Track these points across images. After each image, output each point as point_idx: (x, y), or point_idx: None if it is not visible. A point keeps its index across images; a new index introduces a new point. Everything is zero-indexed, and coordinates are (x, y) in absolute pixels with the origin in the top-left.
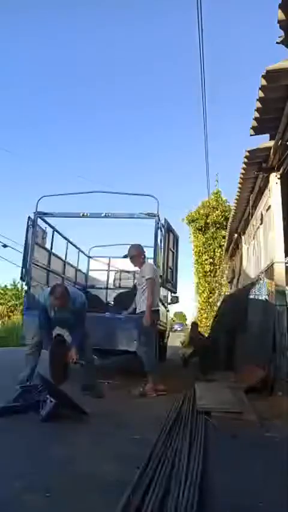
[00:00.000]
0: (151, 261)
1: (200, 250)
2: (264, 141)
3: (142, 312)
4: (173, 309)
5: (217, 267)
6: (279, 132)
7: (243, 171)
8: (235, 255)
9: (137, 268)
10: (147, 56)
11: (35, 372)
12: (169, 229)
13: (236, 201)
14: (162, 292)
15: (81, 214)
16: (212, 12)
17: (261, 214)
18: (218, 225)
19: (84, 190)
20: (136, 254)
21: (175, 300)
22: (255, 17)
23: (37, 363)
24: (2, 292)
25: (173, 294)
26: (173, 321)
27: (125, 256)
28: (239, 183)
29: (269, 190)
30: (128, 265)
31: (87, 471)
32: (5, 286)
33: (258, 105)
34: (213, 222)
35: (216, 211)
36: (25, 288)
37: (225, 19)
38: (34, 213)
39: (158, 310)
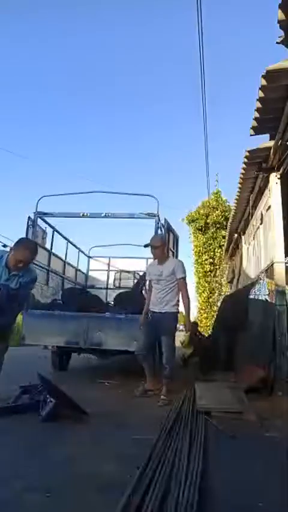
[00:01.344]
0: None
1: (200, 250)
2: (264, 141)
3: (169, 313)
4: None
5: (217, 267)
6: (279, 132)
7: (243, 171)
8: (235, 255)
9: (137, 268)
10: (147, 56)
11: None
12: (169, 229)
13: (236, 201)
14: None
15: (81, 214)
16: (212, 12)
17: (261, 214)
18: (218, 225)
19: (84, 190)
20: (161, 245)
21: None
22: (255, 17)
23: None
24: None
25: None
26: None
27: (146, 246)
28: (239, 183)
29: (269, 190)
30: (128, 265)
31: (87, 471)
32: None
33: (258, 105)
34: (213, 222)
35: (216, 211)
36: None
37: (225, 19)
38: (34, 213)
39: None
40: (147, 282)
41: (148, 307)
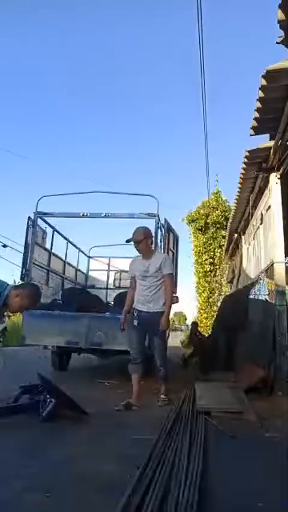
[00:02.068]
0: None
1: (200, 250)
2: (264, 141)
3: (158, 313)
4: (173, 309)
5: (217, 267)
6: (279, 132)
7: (243, 171)
8: (235, 255)
9: None
10: (147, 55)
11: None
12: (169, 229)
13: (236, 201)
14: None
15: (81, 214)
16: (212, 11)
17: (261, 214)
18: (218, 225)
19: (84, 190)
20: (144, 238)
21: (175, 300)
22: (255, 17)
23: None
24: None
25: (172, 294)
26: (173, 321)
27: (128, 241)
28: (239, 183)
29: (269, 190)
30: (128, 265)
31: (87, 471)
32: None
33: (258, 105)
34: (213, 222)
35: (216, 211)
36: None
37: (225, 19)
38: (34, 213)
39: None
40: (131, 279)
41: (129, 306)
